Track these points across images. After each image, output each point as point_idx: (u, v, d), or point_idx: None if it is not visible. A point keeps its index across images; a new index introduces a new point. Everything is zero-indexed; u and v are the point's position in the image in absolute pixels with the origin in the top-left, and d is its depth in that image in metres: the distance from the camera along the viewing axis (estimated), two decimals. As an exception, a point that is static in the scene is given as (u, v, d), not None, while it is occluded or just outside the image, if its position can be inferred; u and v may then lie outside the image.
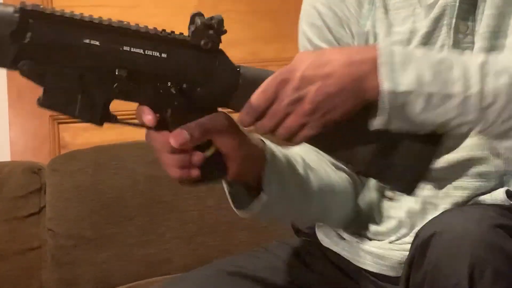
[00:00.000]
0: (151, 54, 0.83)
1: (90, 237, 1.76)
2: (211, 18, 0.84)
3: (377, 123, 0.87)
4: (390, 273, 1.07)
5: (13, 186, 1.80)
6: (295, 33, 1.13)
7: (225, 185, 0.97)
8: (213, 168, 0.89)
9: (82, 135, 2.12)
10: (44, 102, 0.81)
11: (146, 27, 0.83)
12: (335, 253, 1.09)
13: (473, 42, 0.98)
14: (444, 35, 0.99)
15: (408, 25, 1.02)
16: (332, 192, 1.04)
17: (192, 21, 0.85)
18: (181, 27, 2.40)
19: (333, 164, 1.07)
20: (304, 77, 0.86)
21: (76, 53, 0.80)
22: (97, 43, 0.80)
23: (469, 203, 0.99)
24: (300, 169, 1.01)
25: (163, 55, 0.83)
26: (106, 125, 0.85)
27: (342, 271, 1.09)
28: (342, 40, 1.07)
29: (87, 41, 0.80)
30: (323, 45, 1.07)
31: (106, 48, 0.81)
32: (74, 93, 0.81)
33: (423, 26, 1.00)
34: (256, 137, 0.95)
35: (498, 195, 0.95)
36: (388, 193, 1.03)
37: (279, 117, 0.87)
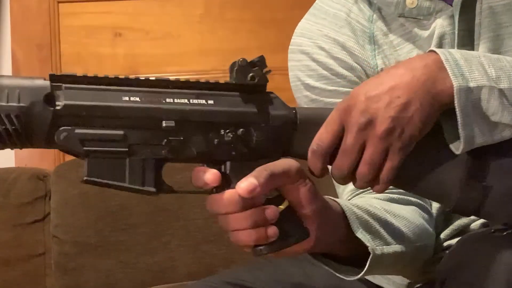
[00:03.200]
0: (196, 102, 0.78)
1: (95, 244, 1.76)
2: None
3: (458, 136, 0.78)
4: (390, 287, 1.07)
5: (19, 192, 1.81)
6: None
7: (316, 261, 0.88)
8: (290, 227, 0.78)
9: (88, 142, 2.12)
10: (90, 175, 0.75)
11: (187, 79, 0.79)
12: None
13: None
14: None
15: None
16: (416, 227, 0.96)
17: (232, 67, 0.80)
18: (187, 35, 2.41)
19: (401, 201, 1.00)
20: (368, 98, 0.77)
21: (116, 111, 0.75)
22: (137, 99, 0.76)
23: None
24: (378, 214, 0.91)
25: (209, 101, 0.78)
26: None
27: (344, 281, 1.09)
28: (360, 81, 1.03)
29: (126, 98, 0.75)
30: (343, 90, 1.03)
31: (148, 103, 0.76)
32: (121, 157, 0.76)
33: None
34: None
35: None
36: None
37: (354, 150, 0.78)
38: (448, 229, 1.02)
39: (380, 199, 0.99)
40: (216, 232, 1.76)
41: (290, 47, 1.08)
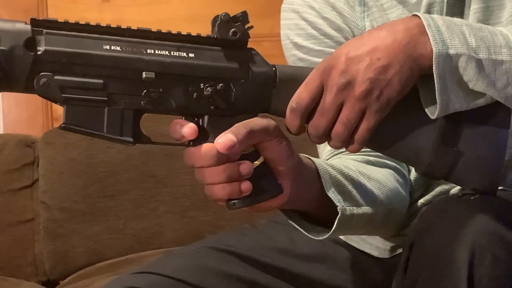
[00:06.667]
0: (177, 54, 0.78)
1: (83, 211, 1.77)
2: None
3: (433, 100, 0.79)
4: (373, 253, 1.08)
5: (6, 158, 1.81)
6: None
7: (285, 217, 0.89)
8: (265, 182, 0.80)
9: (76, 108, 2.11)
10: (68, 122, 0.74)
11: (169, 30, 0.79)
12: None
13: None
14: None
15: None
16: (389, 190, 0.97)
17: (214, 21, 0.80)
18: (175, 1, 2.37)
19: (377, 163, 1.01)
20: (349, 59, 0.78)
21: (96, 60, 0.75)
22: (118, 48, 0.75)
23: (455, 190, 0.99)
24: (352, 175, 0.92)
25: (190, 54, 0.78)
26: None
27: (327, 246, 1.10)
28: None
29: (107, 47, 0.75)
30: (329, 51, 1.03)
31: (128, 53, 0.76)
32: (100, 106, 0.75)
33: None
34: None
35: None
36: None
37: (331, 109, 0.78)
38: (429, 194, 1.04)
39: (357, 161, 1.00)
40: (203, 199, 1.75)
41: (282, 5, 1.09)
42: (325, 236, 0.88)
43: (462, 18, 0.96)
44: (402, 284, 0.84)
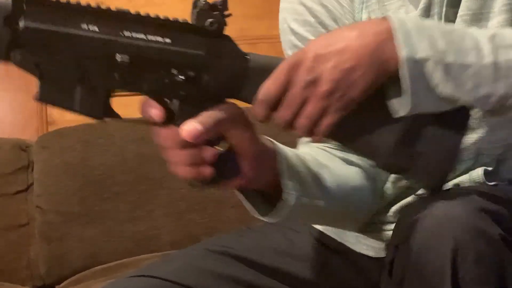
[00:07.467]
0: (154, 39, 0.79)
1: (79, 214, 1.77)
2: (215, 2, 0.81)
3: (401, 102, 0.82)
4: (370, 253, 1.08)
5: (1, 163, 1.80)
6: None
7: (240, 195, 0.91)
8: (227, 167, 0.83)
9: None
10: (42, 96, 0.76)
11: (147, 13, 0.79)
12: (320, 231, 1.10)
13: None
14: None
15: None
16: (349, 188, 0.99)
17: (194, 5, 0.81)
18: (170, 3, 2.36)
19: (345, 160, 1.03)
20: (317, 57, 0.80)
21: (74, 39, 0.76)
22: (96, 28, 0.76)
23: (449, 185, 0.99)
24: (313, 166, 0.95)
25: (167, 40, 0.79)
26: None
27: (328, 249, 1.10)
28: None
29: (84, 26, 0.76)
30: None
31: (105, 33, 0.77)
32: (73, 84, 0.77)
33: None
34: (264, 138, 0.89)
35: (476, 175, 0.96)
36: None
37: (296, 104, 0.82)
38: (410, 196, 1.04)
39: (328, 153, 1.02)
40: (199, 201, 1.77)
41: None
42: (265, 218, 0.90)
43: (458, 6, 0.97)
44: (389, 286, 0.84)
